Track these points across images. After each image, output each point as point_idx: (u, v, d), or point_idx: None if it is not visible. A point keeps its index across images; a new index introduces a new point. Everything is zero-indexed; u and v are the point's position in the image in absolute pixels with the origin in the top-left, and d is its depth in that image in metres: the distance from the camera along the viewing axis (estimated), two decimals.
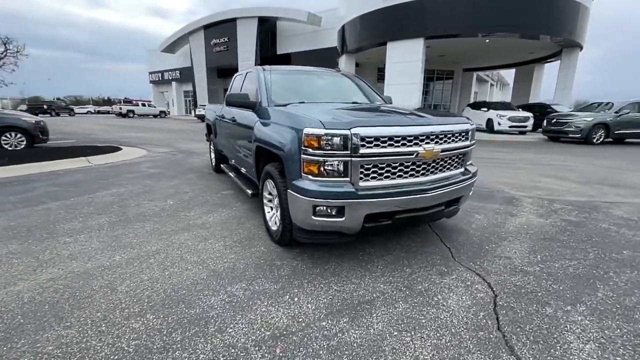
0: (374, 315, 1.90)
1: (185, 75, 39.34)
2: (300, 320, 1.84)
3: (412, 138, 2.31)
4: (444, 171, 2.60)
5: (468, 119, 2.82)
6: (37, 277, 2.32)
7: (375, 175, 2.29)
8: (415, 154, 2.32)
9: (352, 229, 2.33)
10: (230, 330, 1.75)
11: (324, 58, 25.34)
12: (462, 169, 2.80)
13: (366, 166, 2.25)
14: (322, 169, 2.20)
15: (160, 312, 1.91)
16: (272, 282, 2.25)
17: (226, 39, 31.61)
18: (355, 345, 1.66)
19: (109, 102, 47.28)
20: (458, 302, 2.03)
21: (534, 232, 3.19)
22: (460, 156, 2.73)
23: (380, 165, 2.28)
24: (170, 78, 43.49)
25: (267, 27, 29.32)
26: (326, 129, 2.15)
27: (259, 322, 1.82)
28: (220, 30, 31.93)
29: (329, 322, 1.83)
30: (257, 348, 1.63)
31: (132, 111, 35.59)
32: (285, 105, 3.03)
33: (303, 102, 3.24)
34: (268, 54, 29.48)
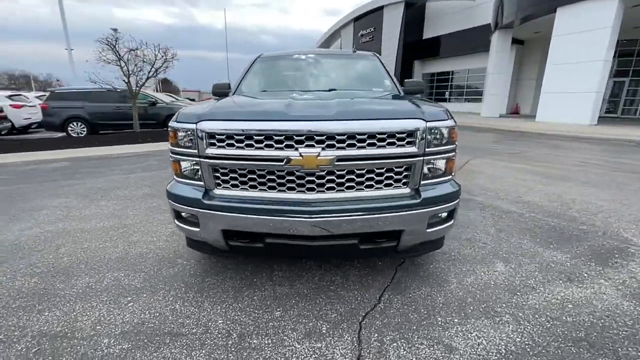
0: (154, 354, 1.53)
1: None
2: (94, 330, 1.71)
3: (281, 138, 1.66)
4: (359, 189, 1.76)
5: (419, 107, 1.76)
6: (47, 226, 3.10)
7: (236, 182, 1.80)
8: (286, 160, 1.66)
9: (217, 244, 1.93)
10: (46, 314, 1.82)
11: (478, 37, 21.62)
12: (408, 190, 1.81)
13: (222, 170, 1.79)
14: (179, 168, 1.91)
15: (45, 278, 2.19)
16: (144, 280, 2.18)
17: (372, 29, 31.71)
18: None
19: None
20: None
21: (576, 321, 1.74)
22: (399, 169, 1.77)
23: (240, 171, 1.77)
24: None
25: (414, 11, 27.44)
26: (177, 122, 1.84)
27: (67, 317, 1.81)
28: (367, 21, 32.31)
29: (106, 341, 1.61)
30: (30, 338, 1.62)
31: None
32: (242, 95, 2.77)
33: (265, 91, 2.88)
34: (412, 40, 27.69)
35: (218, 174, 1.80)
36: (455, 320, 1.76)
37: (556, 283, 2.09)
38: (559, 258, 2.41)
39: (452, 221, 1.95)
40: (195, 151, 1.78)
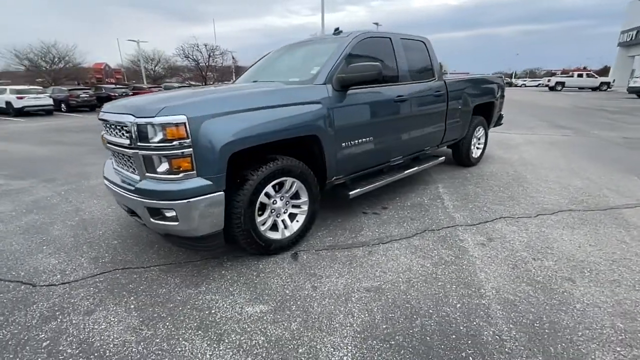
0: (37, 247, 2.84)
1: None
2: (69, 224, 3.24)
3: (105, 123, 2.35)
4: (130, 170, 2.16)
5: (146, 104, 1.82)
6: None
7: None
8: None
9: None
10: (72, 204, 3.58)
11: None
12: (138, 177, 1.99)
13: None
14: None
15: (106, 197, 4.07)
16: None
17: None
18: None
19: (551, 74, 44.08)
20: None
21: None
22: (136, 158, 1.96)
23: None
24: None
25: None
26: None
27: (73, 209, 3.48)
28: None
29: (56, 232, 3.07)
30: (55, 214, 3.40)
31: (562, 83, 31.32)
32: None
33: (236, 82, 3.37)
34: None
35: None
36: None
37: None
38: None
39: (177, 223, 1.87)
40: None
